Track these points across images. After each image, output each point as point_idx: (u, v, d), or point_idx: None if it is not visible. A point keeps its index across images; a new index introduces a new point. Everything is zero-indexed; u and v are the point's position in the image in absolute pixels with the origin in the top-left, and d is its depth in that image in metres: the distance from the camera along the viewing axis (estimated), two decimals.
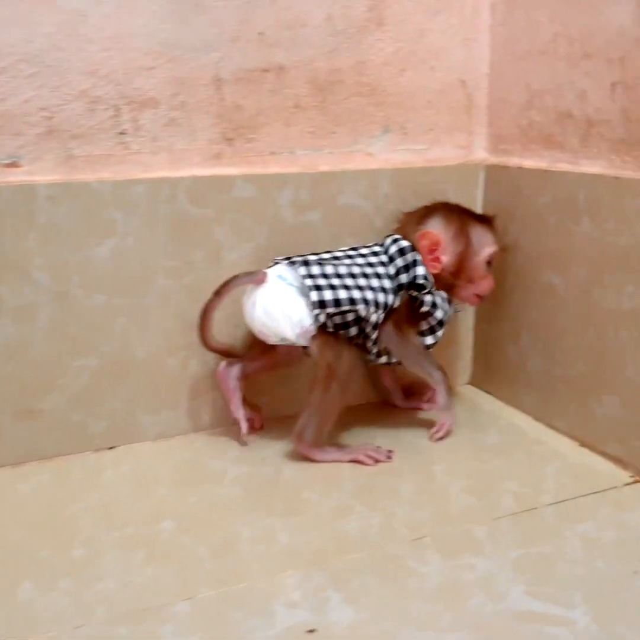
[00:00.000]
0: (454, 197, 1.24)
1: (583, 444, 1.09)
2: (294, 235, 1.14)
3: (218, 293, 1.03)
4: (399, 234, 1.09)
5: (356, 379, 1.09)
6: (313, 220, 1.15)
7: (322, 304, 0.99)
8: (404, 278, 1.05)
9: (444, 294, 1.09)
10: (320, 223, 1.16)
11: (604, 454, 1.06)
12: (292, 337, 1.01)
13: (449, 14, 1.19)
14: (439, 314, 1.07)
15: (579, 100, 1.06)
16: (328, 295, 0.99)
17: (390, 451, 1.06)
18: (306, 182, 1.14)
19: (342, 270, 1.03)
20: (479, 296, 1.12)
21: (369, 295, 1.01)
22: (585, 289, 1.06)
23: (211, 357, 1.13)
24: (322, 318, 1.00)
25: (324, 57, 1.12)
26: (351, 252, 1.08)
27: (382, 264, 1.06)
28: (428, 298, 1.06)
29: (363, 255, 1.07)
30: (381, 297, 1.02)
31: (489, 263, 1.10)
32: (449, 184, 1.24)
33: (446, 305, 1.09)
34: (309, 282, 1.00)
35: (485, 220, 1.12)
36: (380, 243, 1.10)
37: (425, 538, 0.88)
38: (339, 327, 1.03)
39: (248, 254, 1.12)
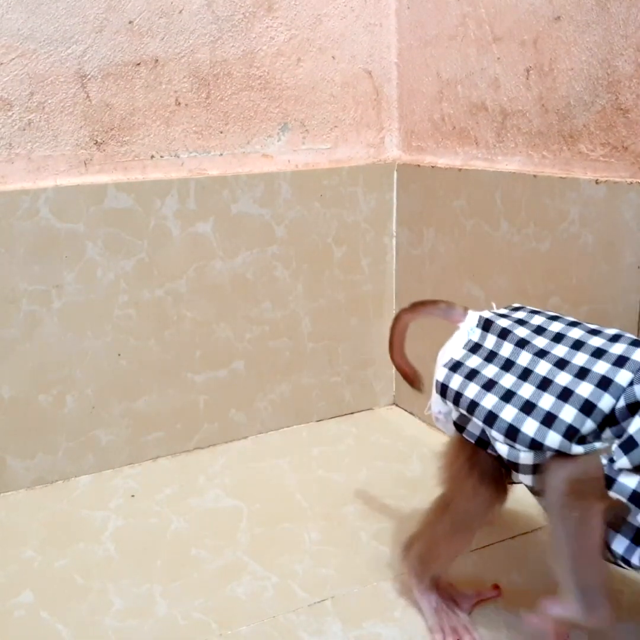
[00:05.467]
0: (365, 201, 1.12)
1: None
2: (182, 250, 1.01)
3: (413, 307, 0.79)
4: None
5: (484, 520, 0.68)
6: (203, 232, 1.02)
7: (443, 390, 0.67)
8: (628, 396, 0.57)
9: None
10: (212, 235, 1.03)
11: None
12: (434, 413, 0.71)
13: None
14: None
15: (492, 89, 0.95)
16: (456, 383, 0.66)
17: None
18: (193, 189, 1.00)
19: (522, 357, 0.64)
20: None
21: (509, 413, 0.61)
22: (508, 300, 0.94)
23: (92, 391, 1.00)
24: (447, 409, 0.68)
25: (206, 47, 0.99)
26: (578, 334, 0.64)
27: (604, 381, 0.59)
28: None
29: (588, 353, 0.61)
30: (530, 427, 0.60)
31: None
32: (358, 187, 1.12)
33: None
34: (458, 353, 0.68)
35: None
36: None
37: (325, 602, 0.76)
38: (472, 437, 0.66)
39: (128, 272, 0.98)
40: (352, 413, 1.19)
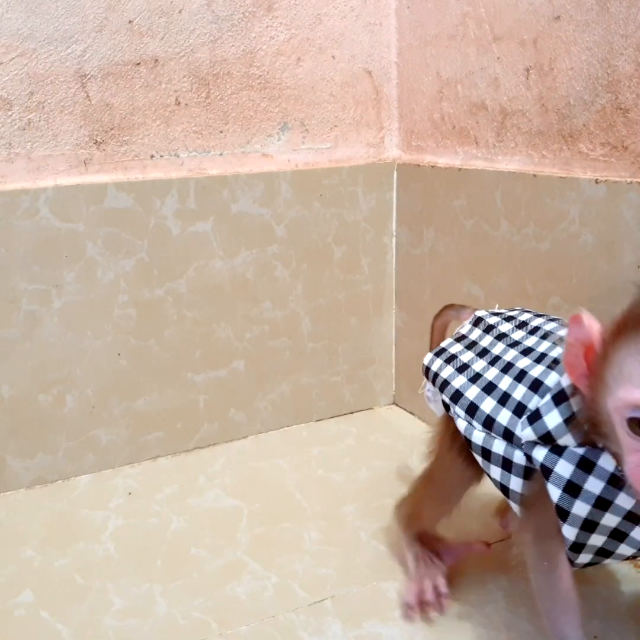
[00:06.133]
0: (365, 201, 1.12)
1: None
2: (181, 249, 1.01)
3: (436, 317, 0.83)
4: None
5: (462, 492, 0.71)
6: (203, 231, 1.02)
7: (426, 371, 0.73)
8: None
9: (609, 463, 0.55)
10: (212, 234, 1.03)
11: None
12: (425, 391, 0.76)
13: None
14: (553, 492, 0.56)
15: (492, 89, 0.95)
16: (436, 365, 0.71)
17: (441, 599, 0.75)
18: (193, 189, 1.00)
19: (497, 348, 0.68)
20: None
21: (472, 392, 0.66)
22: (507, 300, 0.94)
23: (92, 391, 1.00)
24: (435, 388, 0.72)
25: (206, 46, 0.99)
26: (548, 326, 0.67)
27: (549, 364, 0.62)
28: (539, 453, 0.58)
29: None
30: (488, 405, 0.63)
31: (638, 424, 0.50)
32: (358, 186, 1.12)
33: (628, 501, 0.55)
34: (446, 342, 0.74)
35: None
36: None
37: (325, 601, 0.76)
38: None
39: (127, 272, 0.98)
40: (352, 413, 1.19)
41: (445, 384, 0.69)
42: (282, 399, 1.13)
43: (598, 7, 0.79)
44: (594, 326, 0.52)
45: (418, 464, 0.78)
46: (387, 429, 1.14)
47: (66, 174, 0.95)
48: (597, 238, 0.81)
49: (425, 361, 0.73)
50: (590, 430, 0.54)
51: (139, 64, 0.96)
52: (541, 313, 0.72)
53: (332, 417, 1.17)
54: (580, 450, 0.55)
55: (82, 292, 0.96)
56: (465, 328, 0.74)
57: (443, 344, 0.74)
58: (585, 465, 0.55)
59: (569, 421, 0.56)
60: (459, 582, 0.77)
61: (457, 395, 0.67)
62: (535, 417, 0.58)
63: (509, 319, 0.71)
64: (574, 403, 0.56)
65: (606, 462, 0.54)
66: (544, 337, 0.65)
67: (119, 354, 1.00)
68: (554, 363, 0.60)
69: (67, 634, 0.72)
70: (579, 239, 0.83)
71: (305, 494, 0.96)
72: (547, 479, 0.56)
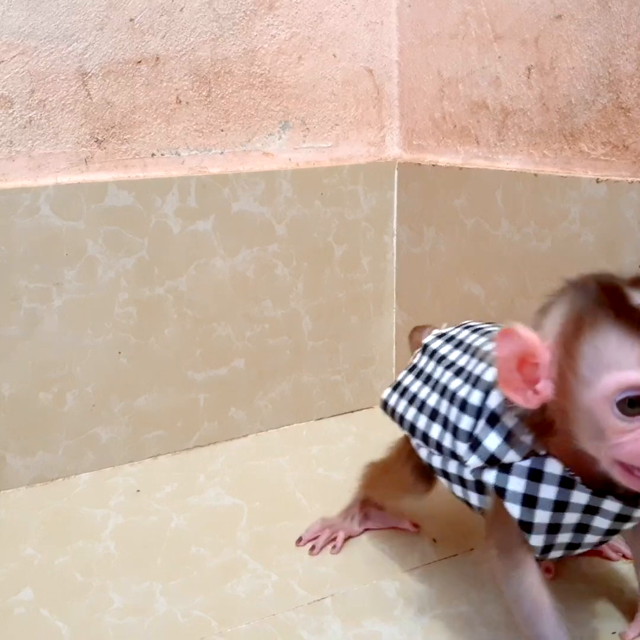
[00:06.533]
0: (365, 200, 1.12)
1: None
2: (182, 248, 1.01)
3: (410, 338, 0.88)
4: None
5: (410, 495, 0.77)
6: (203, 230, 1.02)
7: (384, 405, 0.76)
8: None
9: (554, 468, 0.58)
10: (213, 233, 1.03)
11: None
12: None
13: None
14: (512, 510, 0.58)
15: (493, 88, 0.95)
16: (393, 399, 0.75)
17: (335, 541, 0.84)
18: (194, 187, 1.00)
19: (436, 372, 0.70)
20: (624, 466, 0.52)
21: (422, 422, 0.69)
22: (507, 299, 0.95)
23: (92, 389, 1.00)
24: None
25: (207, 45, 0.99)
26: (479, 342, 0.69)
27: (476, 380, 0.64)
28: (489, 477, 0.60)
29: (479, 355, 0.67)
30: (435, 431, 0.67)
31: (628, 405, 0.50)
32: (359, 185, 1.12)
33: (581, 496, 0.58)
34: (400, 374, 0.77)
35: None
36: None
37: (325, 600, 0.76)
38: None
39: (128, 270, 0.98)
40: (352, 411, 1.19)
41: (401, 419, 0.72)
42: (282, 398, 1.13)
43: (599, 6, 0.80)
44: (531, 336, 0.53)
45: None
46: (388, 428, 1.14)
47: (67, 172, 0.95)
48: (598, 237, 0.81)
49: (384, 396, 0.76)
50: (536, 438, 0.57)
51: (140, 62, 0.95)
52: (484, 325, 0.73)
53: (333, 416, 1.17)
54: (527, 463, 0.57)
55: (83, 290, 0.96)
56: (416, 357, 0.76)
57: (399, 377, 0.76)
58: (535, 476, 0.57)
59: (508, 439, 0.58)
60: (458, 581, 0.77)
61: (412, 428, 0.70)
62: (475, 444, 0.60)
63: (449, 339, 0.73)
64: (508, 419, 0.58)
65: (553, 467, 0.57)
66: (473, 354, 0.67)
67: (120, 353, 1.00)
68: (477, 380, 0.63)
69: (66, 631, 0.72)
70: (580, 238, 0.83)
71: (305, 493, 0.96)
72: (504, 499, 0.58)
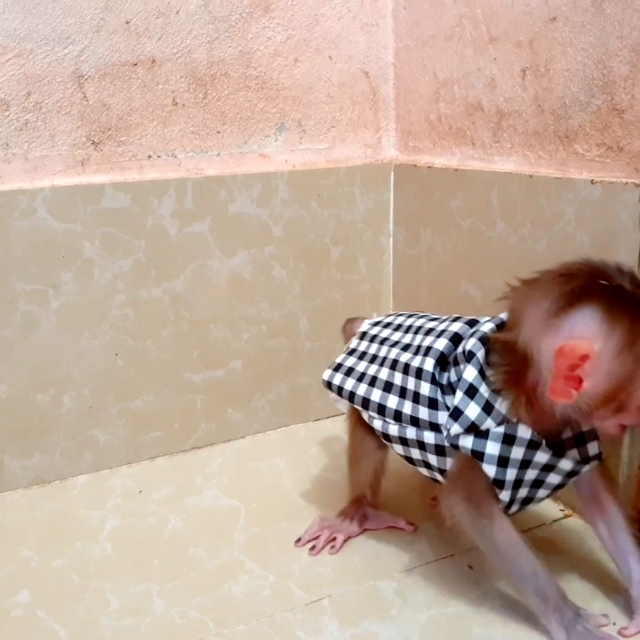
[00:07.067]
0: (362, 201, 1.13)
1: None
2: (178, 250, 1.01)
3: (344, 329, 0.95)
4: (508, 316, 0.69)
5: (373, 455, 0.83)
6: (200, 231, 1.02)
7: (328, 385, 0.84)
8: (449, 400, 0.71)
9: (517, 430, 0.67)
10: (209, 235, 1.03)
11: None
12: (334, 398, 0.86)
13: None
14: (488, 470, 0.67)
15: (489, 90, 0.95)
16: (337, 379, 0.82)
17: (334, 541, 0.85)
18: (190, 189, 1.01)
19: (382, 351, 0.80)
20: (624, 426, 0.64)
21: (376, 395, 0.77)
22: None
23: (89, 391, 1.00)
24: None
25: (203, 47, 0.99)
26: (421, 321, 0.80)
27: (427, 351, 0.74)
28: (465, 442, 0.68)
29: (423, 332, 0.77)
30: (392, 402, 0.76)
31: None
32: (355, 187, 1.12)
33: (542, 456, 0.68)
34: (339, 357, 0.85)
35: None
36: (459, 326, 0.75)
37: (322, 600, 0.76)
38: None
39: (125, 272, 0.99)
40: None
41: (352, 395, 0.80)
42: (279, 399, 1.13)
43: (594, 9, 0.80)
44: (585, 346, 0.59)
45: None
46: None
47: (63, 174, 0.95)
48: (593, 238, 0.81)
49: (326, 377, 0.84)
50: (510, 408, 0.66)
51: (136, 64, 0.96)
52: (416, 312, 0.84)
53: (330, 417, 1.17)
54: (501, 429, 0.66)
55: (80, 292, 0.97)
56: (353, 343, 0.85)
57: (338, 360, 0.84)
58: (508, 440, 0.66)
59: (486, 409, 0.67)
60: (455, 581, 0.78)
61: (365, 402, 0.78)
62: (456, 413, 0.68)
63: (387, 325, 0.83)
64: (484, 392, 0.67)
65: (523, 432, 0.66)
66: (415, 332, 0.78)
67: (117, 354, 1.01)
68: (427, 351, 0.73)
69: (64, 633, 0.73)
70: (575, 239, 0.83)
71: (302, 494, 0.96)
72: (482, 461, 0.67)
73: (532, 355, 0.61)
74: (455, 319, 0.76)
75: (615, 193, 0.79)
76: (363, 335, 0.85)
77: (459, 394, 0.68)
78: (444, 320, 0.77)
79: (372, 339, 0.83)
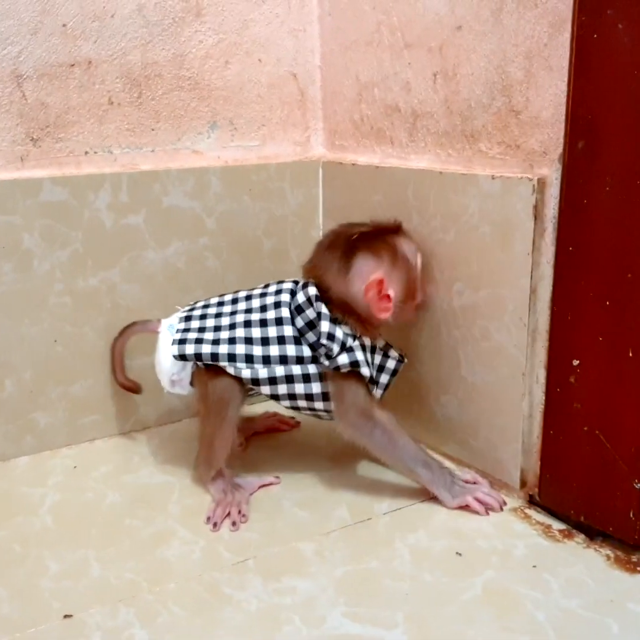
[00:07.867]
0: (292, 196, 1.19)
1: (426, 446, 1.05)
2: (114, 241, 1.07)
3: (117, 337, 1.05)
4: (315, 279, 0.92)
5: (235, 404, 0.94)
6: (135, 223, 1.08)
7: (182, 358, 0.93)
8: (311, 337, 0.90)
9: (364, 341, 0.91)
10: (144, 226, 1.09)
11: (445, 455, 1.02)
12: (167, 387, 0.98)
13: (273, 3, 1.14)
14: (364, 371, 0.88)
15: (405, 92, 1.03)
16: (190, 349, 0.92)
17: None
18: (125, 183, 1.06)
19: (224, 321, 0.94)
20: (417, 306, 0.96)
21: (240, 349, 0.91)
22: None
23: (30, 376, 1.05)
24: (184, 373, 0.96)
25: (138, 50, 1.05)
26: (244, 294, 0.97)
27: (276, 305, 0.93)
28: (343, 359, 0.88)
29: (258, 297, 0.95)
30: (258, 351, 0.91)
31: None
32: (285, 182, 1.19)
33: (379, 357, 0.94)
34: (177, 335, 0.94)
35: (397, 228, 0.95)
36: (290, 285, 0.95)
37: (248, 561, 0.82)
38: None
39: (63, 262, 1.04)
40: None
41: (214, 356, 0.91)
42: None
43: (493, 19, 0.88)
44: (379, 275, 0.89)
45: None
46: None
47: (3, 169, 0.99)
48: (494, 228, 0.89)
49: (176, 352, 0.93)
50: (353, 327, 0.90)
51: (73, 65, 1.01)
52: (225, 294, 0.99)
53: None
54: (357, 342, 0.89)
55: (19, 281, 1.01)
56: (181, 324, 0.96)
57: (177, 336, 0.94)
58: (363, 348, 0.90)
59: (346, 332, 0.89)
60: (370, 541, 0.85)
61: (231, 357, 0.90)
62: (331, 337, 0.88)
63: (206, 306, 0.97)
64: (340, 320, 0.90)
65: (366, 342, 0.91)
66: (247, 299, 0.95)
67: (55, 341, 1.06)
68: (277, 305, 0.92)
69: (5, 595, 0.77)
70: (479, 230, 0.91)
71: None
72: (358, 367, 0.88)
73: (350, 300, 0.89)
74: (278, 282, 0.96)
75: (512, 187, 0.87)
76: (188, 318, 0.96)
77: (326, 323, 0.89)
78: (267, 286, 0.96)
79: (203, 317, 0.95)
